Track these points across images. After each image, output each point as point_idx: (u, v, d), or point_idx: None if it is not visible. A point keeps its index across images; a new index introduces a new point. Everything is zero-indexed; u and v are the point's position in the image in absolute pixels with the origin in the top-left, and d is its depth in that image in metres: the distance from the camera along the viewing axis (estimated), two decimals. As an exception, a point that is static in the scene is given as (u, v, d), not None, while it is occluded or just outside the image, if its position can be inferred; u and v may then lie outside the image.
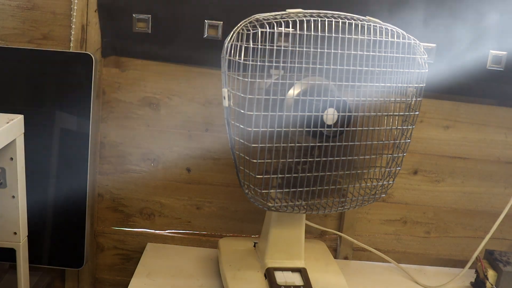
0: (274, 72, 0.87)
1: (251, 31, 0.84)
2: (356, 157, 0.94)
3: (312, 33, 0.86)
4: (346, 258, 1.32)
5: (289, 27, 0.85)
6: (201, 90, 1.21)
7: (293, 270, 1.03)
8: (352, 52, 0.89)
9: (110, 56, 1.19)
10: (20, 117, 0.97)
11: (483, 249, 1.20)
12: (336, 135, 0.91)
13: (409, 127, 0.97)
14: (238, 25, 0.87)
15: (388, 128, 0.95)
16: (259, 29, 0.84)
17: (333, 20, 0.88)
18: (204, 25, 1.15)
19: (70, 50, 1.17)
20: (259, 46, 0.84)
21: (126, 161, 1.25)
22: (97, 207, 1.28)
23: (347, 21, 0.89)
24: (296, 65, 0.87)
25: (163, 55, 1.18)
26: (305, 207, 0.95)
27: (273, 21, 0.85)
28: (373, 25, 0.91)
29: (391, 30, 0.92)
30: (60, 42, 1.19)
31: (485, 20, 1.16)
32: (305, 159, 0.91)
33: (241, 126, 0.87)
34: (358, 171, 0.96)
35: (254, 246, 1.14)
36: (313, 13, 0.90)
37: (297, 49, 0.86)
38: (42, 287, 1.22)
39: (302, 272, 1.03)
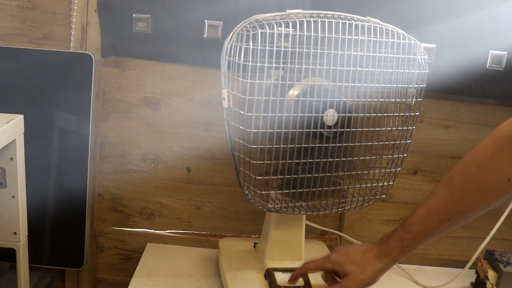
0: (274, 73, 0.87)
1: (251, 31, 0.84)
2: (356, 158, 0.94)
3: (312, 33, 0.86)
4: (346, 258, 1.32)
5: (289, 28, 0.85)
6: (201, 90, 1.21)
7: (293, 270, 1.03)
8: (352, 52, 0.89)
9: (110, 56, 1.19)
10: (20, 117, 0.98)
11: (483, 250, 1.20)
12: (336, 136, 0.91)
13: (409, 127, 0.96)
14: (238, 25, 0.86)
15: (388, 129, 0.95)
16: (259, 29, 0.84)
17: (333, 20, 0.87)
18: (204, 25, 1.15)
19: (70, 50, 1.17)
20: (259, 47, 0.84)
21: (126, 161, 1.25)
22: (97, 207, 1.28)
23: (347, 22, 0.88)
24: (296, 65, 0.87)
25: (163, 55, 1.18)
26: (305, 208, 0.95)
27: (273, 21, 0.85)
28: (373, 26, 0.90)
29: (391, 30, 0.92)
30: (60, 42, 1.18)
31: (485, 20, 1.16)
32: (305, 160, 0.91)
33: (241, 127, 0.87)
34: (358, 172, 0.96)
35: (254, 246, 1.14)
36: (313, 13, 0.90)
37: (297, 49, 0.86)
38: (42, 287, 1.22)
39: (302, 272, 1.03)
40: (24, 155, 0.99)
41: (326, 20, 0.87)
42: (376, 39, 0.90)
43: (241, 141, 0.88)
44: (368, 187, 0.97)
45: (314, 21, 0.86)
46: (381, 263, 0.87)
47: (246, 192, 0.92)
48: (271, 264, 1.03)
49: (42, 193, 1.18)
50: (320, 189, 0.93)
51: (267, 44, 0.84)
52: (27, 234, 1.04)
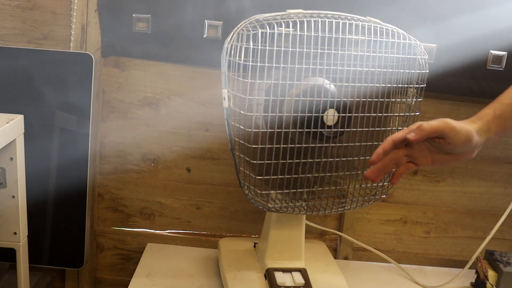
0: (274, 73, 0.87)
1: (251, 31, 0.84)
2: (356, 158, 0.94)
3: (313, 33, 0.86)
4: (346, 258, 1.32)
5: (289, 28, 0.85)
6: (201, 90, 1.21)
7: (293, 270, 1.03)
8: (352, 52, 0.89)
9: (110, 56, 1.19)
10: (20, 117, 0.98)
11: (483, 250, 1.20)
12: (336, 136, 0.91)
13: (409, 127, 0.96)
14: (238, 25, 0.86)
15: (388, 128, 0.95)
16: (259, 29, 0.84)
17: (334, 20, 0.87)
18: (204, 25, 1.15)
19: (70, 50, 1.17)
20: (259, 47, 0.84)
21: (126, 161, 1.25)
22: (97, 207, 1.28)
23: (347, 22, 0.88)
24: (296, 65, 0.87)
25: (163, 55, 1.18)
26: (305, 208, 0.95)
27: (273, 21, 0.85)
28: (374, 26, 0.90)
29: (392, 30, 0.92)
30: (60, 42, 1.18)
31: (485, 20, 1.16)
32: (305, 160, 0.91)
33: (241, 126, 0.87)
34: (358, 172, 0.96)
35: (254, 246, 1.14)
36: (313, 13, 0.90)
37: (297, 49, 0.86)
38: (42, 287, 1.22)
39: (302, 272, 1.03)
40: (24, 155, 0.99)
41: (326, 20, 0.87)
42: (376, 39, 0.90)
43: (241, 141, 0.88)
44: (368, 187, 0.97)
45: (314, 21, 0.86)
46: (475, 124, 0.86)
47: (246, 192, 0.92)
48: (271, 264, 1.03)
49: (42, 193, 1.18)
50: (320, 189, 0.93)
51: (267, 44, 0.84)
52: (27, 234, 1.04)
